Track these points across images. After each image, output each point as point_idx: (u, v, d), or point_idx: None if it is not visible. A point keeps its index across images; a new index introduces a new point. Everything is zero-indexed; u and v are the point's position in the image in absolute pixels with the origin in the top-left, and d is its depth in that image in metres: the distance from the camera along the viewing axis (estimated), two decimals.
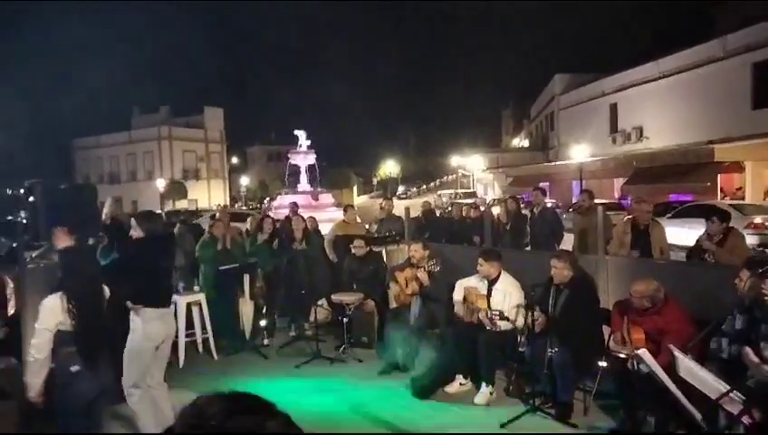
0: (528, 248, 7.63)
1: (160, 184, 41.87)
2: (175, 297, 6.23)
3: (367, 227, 9.63)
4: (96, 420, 3.51)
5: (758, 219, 12.64)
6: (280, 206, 19.60)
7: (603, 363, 4.60)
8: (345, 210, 8.62)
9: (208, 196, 47.29)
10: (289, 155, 20.57)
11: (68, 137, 51.06)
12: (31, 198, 5.67)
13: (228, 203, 47.74)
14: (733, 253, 5.16)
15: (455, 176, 49.95)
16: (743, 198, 18.10)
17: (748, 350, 2.63)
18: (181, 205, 39.52)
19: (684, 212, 14.20)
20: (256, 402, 0.95)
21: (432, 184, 59.72)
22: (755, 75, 20.49)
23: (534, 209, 7.98)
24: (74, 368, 3.30)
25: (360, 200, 54.33)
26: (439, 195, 39.59)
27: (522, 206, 9.08)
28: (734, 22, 21.55)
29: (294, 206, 9.36)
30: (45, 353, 3.32)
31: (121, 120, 50.17)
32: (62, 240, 4.17)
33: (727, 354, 3.17)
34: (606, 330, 4.75)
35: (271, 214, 9.99)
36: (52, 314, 3.34)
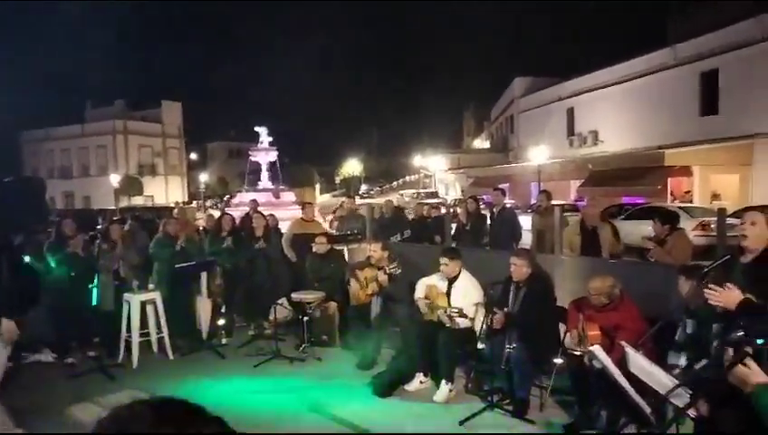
0: (487, 248, 7.75)
1: (114, 179, 40.55)
2: (128, 295, 6.06)
3: (326, 225, 9.58)
4: None
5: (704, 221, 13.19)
6: (240, 203, 19.29)
7: (559, 360, 4.72)
8: (303, 207, 8.54)
9: (165, 192, 46.06)
10: (250, 152, 20.27)
11: (15, 129, 48.81)
12: None
13: (186, 200, 46.63)
14: (671, 253, 5.36)
15: (417, 176, 50.30)
16: (691, 201, 18.87)
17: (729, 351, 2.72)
18: (137, 201, 38.37)
19: (636, 214, 14.71)
20: (184, 408, 0.85)
21: (394, 183, 59.93)
22: (703, 83, 21.44)
23: (494, 209, 8.12)
24: None
25: (322, 199, 54.02)
26: (401, 194, 39.79)
27: (482, 206, 9.23)
28: (686, 30, 22.46)
29: (254, 203, 9.22)
30: None
31: (73, 115, 48.30)
32: None
33: (685, 363, 3.27)
34: (562, 328, 4.87)
35: (230, 211, 9.81)
36: None
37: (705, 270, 2.82)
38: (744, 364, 1.98)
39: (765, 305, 2.44)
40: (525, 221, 8.69)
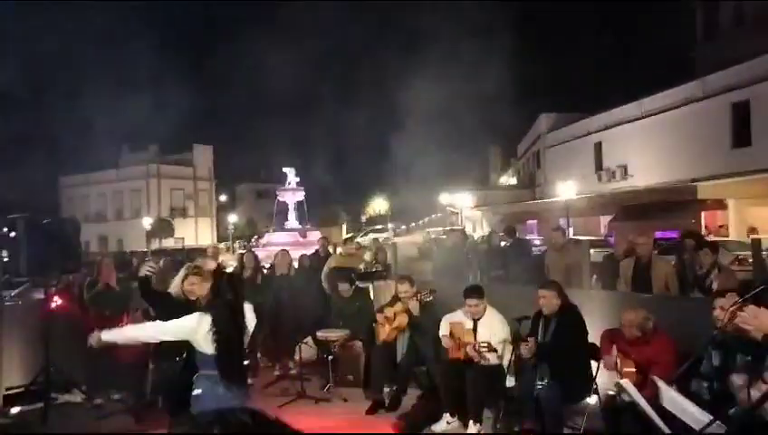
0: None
1: (147, 222, 41.59)
2: None
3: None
4: None
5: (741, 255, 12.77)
6: (268, 243, 19.55)
7: (592, 401, 4.55)
8: (345, 242, 8.71)
9: (195, 234, 46.96)
10: (278, 192, 20.66)
11: (55, 174, 50.81)
12: (12, 234, 5.60)
13: (216, 241, 47.40)
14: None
15: (441, 214, 50.18)
16: (726, 236, 18.33)
17: (733, 377, 2.61)
18: (168, 243, 39.15)
19: (671, 249, 14.32)
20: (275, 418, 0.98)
21: (420, 221, 59.88)
22: (734, 115, 21.11)
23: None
24: (197, 391, 3.16)
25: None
26: (428, 232, 39.68)
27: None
28: (714, 62, 22.31)
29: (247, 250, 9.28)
30: (138, 341, 3.37)
31: (109, 160, 50.10)
32: None
33: (708, 395, 3.14)
34: (594, 365, 4.70)
35: (254, 249, 9.93)
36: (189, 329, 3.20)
37: (741, 299, 2.71)
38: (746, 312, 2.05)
39: None
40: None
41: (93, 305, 6.17)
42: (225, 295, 3.20)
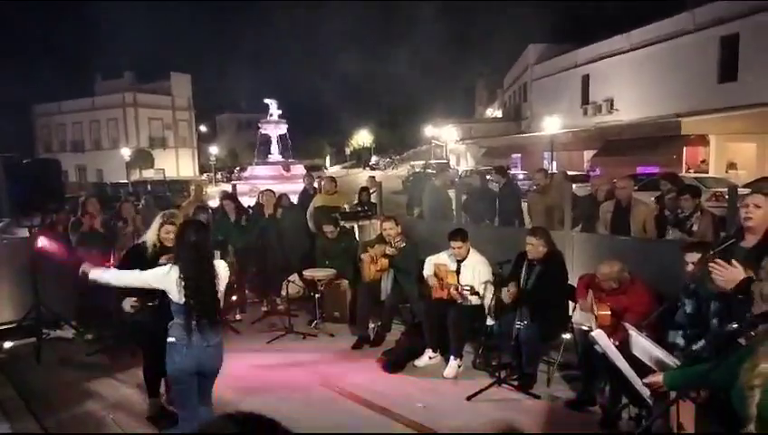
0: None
1: (126, 153, 40.79)
2: None
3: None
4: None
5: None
6: (251, 176, 19.37)
7: (567, 336, 4.79)
8: (324, 181, 8.54)
9: (176, 165, 46.31)
10: (260, 124, 20.23)
11: (27, 102, 49.00)
12: None
13: (197, 173, 46.88)
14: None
15: (428, 146, 49.90)
16: (706, 171, 18.61)
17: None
18: (148, 174, 38.65)
19: (651, 184, 14.55)
20: (265, 424, 0.99)
21: (405, 154, 59.55)
22: (723, 49, 20.86)
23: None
24: (171, 339, 3.27)
25: (332, 170, 53.96)
26: (412, 165, 39.59)
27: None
28: None
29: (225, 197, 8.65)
30: (117, 285, 3.43)
31: (84, 88, 48.33)
32: None
33: (684, 343, 3.31)
34: (570, 304, 4.92)
35: (231, 191, 9.67)
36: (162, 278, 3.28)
37: (711, 252, 2.83)
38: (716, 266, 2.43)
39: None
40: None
41: (80, 246, 6.17)
42: (190, 244, 3.26)
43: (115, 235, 6.40)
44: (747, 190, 4.64)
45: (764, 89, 18.40)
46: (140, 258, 3.92)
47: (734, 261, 2.56)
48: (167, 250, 3.84)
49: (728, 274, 2.52)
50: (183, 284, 3.19)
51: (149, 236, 4.04)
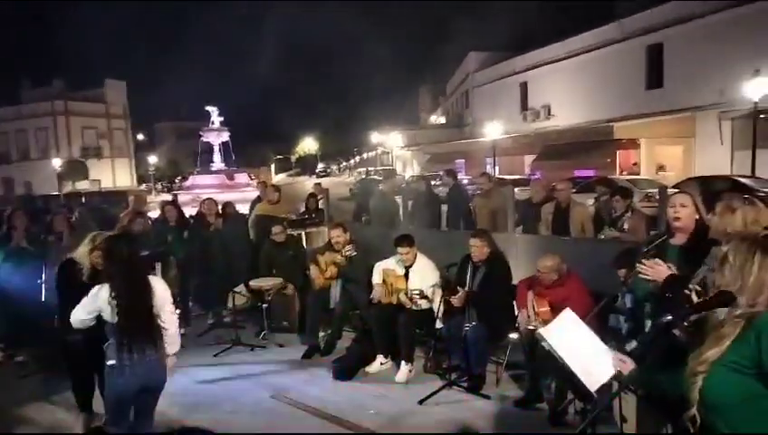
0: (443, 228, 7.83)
1: (56, 163, 38.76)
2: None
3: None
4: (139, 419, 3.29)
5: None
6: (193, 185, 18.84)
7: (514, 336, 4.89)
8: (267, 190, 8.36)
9: (113, 175, 44.38)
10: (201, 132, 19.75)
11: None
12: None
13: (135, 183, 45.12)
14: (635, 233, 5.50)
15: (375, 153, 50.13)
16: (638, 173, 19.58)
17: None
18: (82, 186, 36.81)
19: (587, 187, 15.16)
20: None
21: (352, 161, 59.61)
22: (649, 57, 22.09)
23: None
24: (110, 362, 3.10)
25: (277, 178, 53.28)
26: (359, 172, 39.67)
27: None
28: (632, 5, 22.96)
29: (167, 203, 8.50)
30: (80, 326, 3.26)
31: (9, 96, 45.55)
32: None
33: (625, 330, 3.46)
34: (515, 305, 5.03)
35: (172, 198, 9.44)
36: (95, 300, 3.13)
37: (644, 251, 2.97)
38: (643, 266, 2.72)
39: (688, 277, 2.60)
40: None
41: (7, 262, 5.77)
42: (119, 260, 3.14)
43: (46, 250, 6.02)
44: (675, 190, 4.92)
45: (688, 95, 19.62)
46: (75, 277, 3.72)
47: (657, 259, 2.76)
48: (99, 274, 3.64)
49: (654, 272, 2.75)
50: (114, 302, 3.06)
51: (79, 257, 3.81)
